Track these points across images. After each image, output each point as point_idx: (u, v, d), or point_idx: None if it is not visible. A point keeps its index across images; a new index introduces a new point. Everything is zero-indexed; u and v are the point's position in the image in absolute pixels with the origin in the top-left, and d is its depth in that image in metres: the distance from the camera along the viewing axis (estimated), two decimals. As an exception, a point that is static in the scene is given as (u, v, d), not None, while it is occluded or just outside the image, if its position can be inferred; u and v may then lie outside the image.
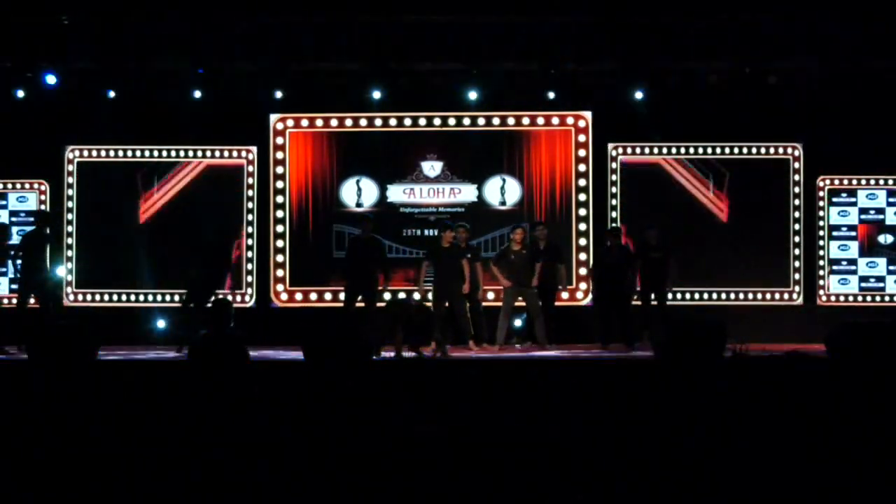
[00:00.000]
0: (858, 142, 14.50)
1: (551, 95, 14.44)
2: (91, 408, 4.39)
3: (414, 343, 11.96)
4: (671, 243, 13.59)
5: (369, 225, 13.37)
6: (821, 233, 14.87)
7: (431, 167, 14.73)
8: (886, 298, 14.82)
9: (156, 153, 14.79)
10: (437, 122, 14.75)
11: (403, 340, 11.85)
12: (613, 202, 14.68)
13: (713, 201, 14.63)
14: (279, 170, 14.71)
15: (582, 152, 14.60)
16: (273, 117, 14.73)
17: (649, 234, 13.51)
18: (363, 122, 14.79)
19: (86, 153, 14.79)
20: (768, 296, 14.66)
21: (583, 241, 14.43)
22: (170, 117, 14.72)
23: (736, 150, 14.75)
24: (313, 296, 14.58)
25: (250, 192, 14.77)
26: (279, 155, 14.71)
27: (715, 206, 14.63)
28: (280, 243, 14.67)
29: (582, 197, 14.57)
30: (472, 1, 14.42)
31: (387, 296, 13.50)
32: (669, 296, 13.43)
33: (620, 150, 14.76)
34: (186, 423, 4.24)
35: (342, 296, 13.52)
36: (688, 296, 14.47)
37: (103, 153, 14.81)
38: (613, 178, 14.72)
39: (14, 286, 13.89)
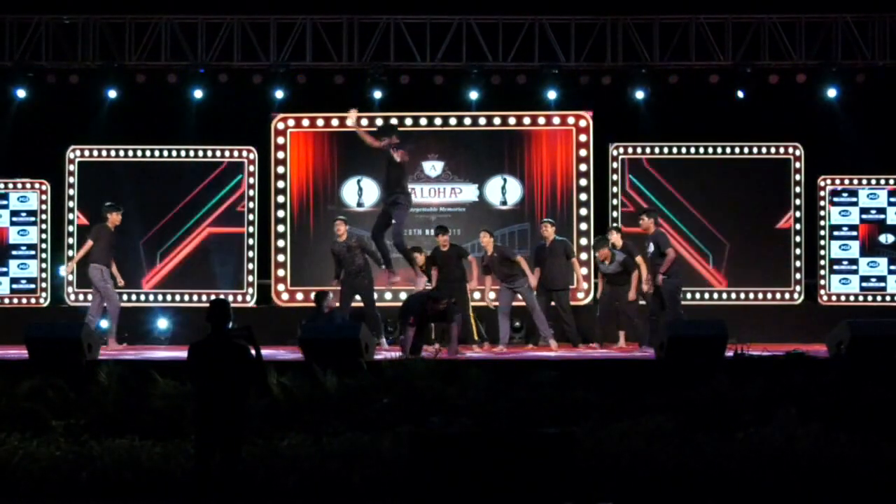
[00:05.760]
0: (858, 142, 14.49)
1: (552, 95, 14.44)
2: None
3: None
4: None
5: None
6: (822, 233, 14.86)
7: (432, 167, 14.72)
8: (887, 298, 14.80)
9: (156, 153, 14.79)
10: (437, 122, 14.75)
11: (416, 338, 11.78)
12: (614, 202, 14.67)
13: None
14: (280, 170, 14.71)
15: (583, 152, 14.59)
16: (273, 117, 14.72)
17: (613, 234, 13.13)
18: (363, 122, 14.76)
19: (86, 153, 14.78)
20: (769, 296, 14.65)
21: (584, 241, 14.42)
22: (170, 117, 14.73)
23: (736, 150, 14.74)
24: (314, 295, 14.56)
25: (251, 192, 14.77)
26: (280, 155, 14.71)
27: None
28: (281, 243, 14.66)
29: (583, 197, 14.56)
30: (472, 1, 14.45)
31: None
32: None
33: (622, 150, 14.76)
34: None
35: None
36: (688, 296, 14.45)
37: (104, 153, 14.81)
38: (615, 177, 14.72)
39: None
